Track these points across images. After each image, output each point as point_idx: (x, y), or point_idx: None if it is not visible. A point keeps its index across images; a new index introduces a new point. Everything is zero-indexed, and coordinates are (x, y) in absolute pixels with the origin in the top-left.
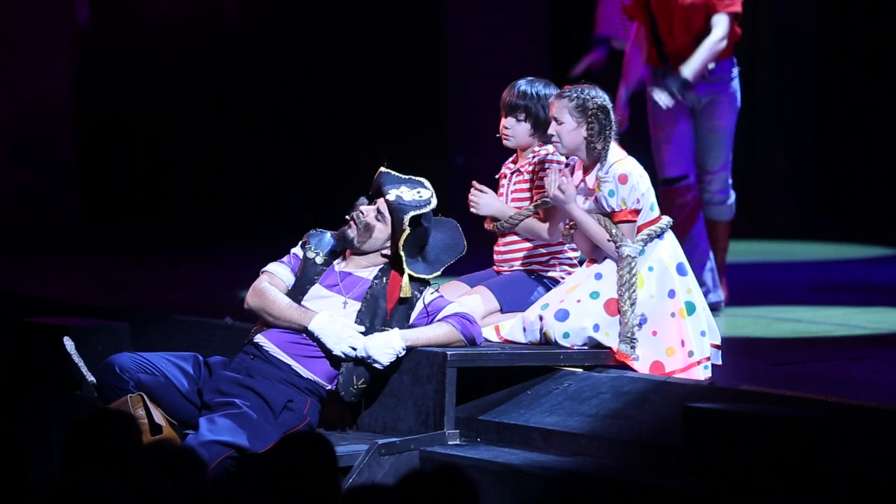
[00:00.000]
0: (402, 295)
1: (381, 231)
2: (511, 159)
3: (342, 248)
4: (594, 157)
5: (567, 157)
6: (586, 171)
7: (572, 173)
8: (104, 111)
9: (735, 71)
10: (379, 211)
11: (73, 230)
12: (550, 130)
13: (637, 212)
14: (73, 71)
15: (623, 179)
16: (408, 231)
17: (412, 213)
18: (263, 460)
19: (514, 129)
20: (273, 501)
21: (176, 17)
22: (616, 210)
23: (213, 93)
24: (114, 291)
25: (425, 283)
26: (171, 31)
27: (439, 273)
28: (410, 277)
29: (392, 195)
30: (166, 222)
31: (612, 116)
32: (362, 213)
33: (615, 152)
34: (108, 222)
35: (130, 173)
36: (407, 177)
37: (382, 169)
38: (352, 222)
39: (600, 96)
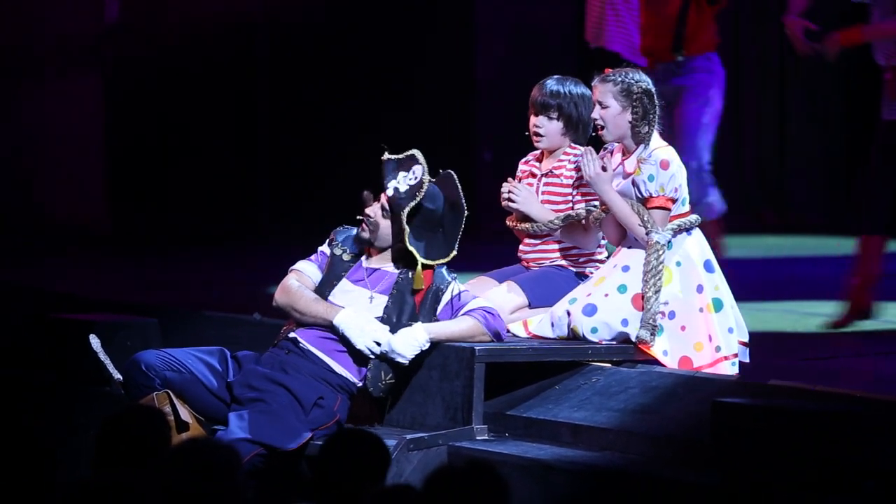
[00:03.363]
0: (414, 287)
1: (388, 228)
2: (534, 158)
3: (365, 247)
4: (638, 142)
5: (607, 147)
6: (625, 155)
7: (611, 156)
8: (132, 110)
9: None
10: (383, 207)
11: (102, 228)
12: (594, 114)
13: (673, 201)
14: (101, 69)
15: (665, 165)
16: (407, 230)
17: (408, 208)
18: (293, 457)
19: (546, 128)
20: (314, 499)
21: (204, 15)
22: (653, 195)
23: (240, 91)
24: (142, 289)
25: (449, 272)
26: (200, 29)
27: (455, 252)
28: (425, 266)
29: (391, 189)
30: (194, 220)
31: (656, 100)
32: (370, 215)
33: (656, 139)
34: (136, 221)
35: (158, 172)
36: (403, 156)
37: (383, 157)
38: (363, 224)
39: (644, 80)
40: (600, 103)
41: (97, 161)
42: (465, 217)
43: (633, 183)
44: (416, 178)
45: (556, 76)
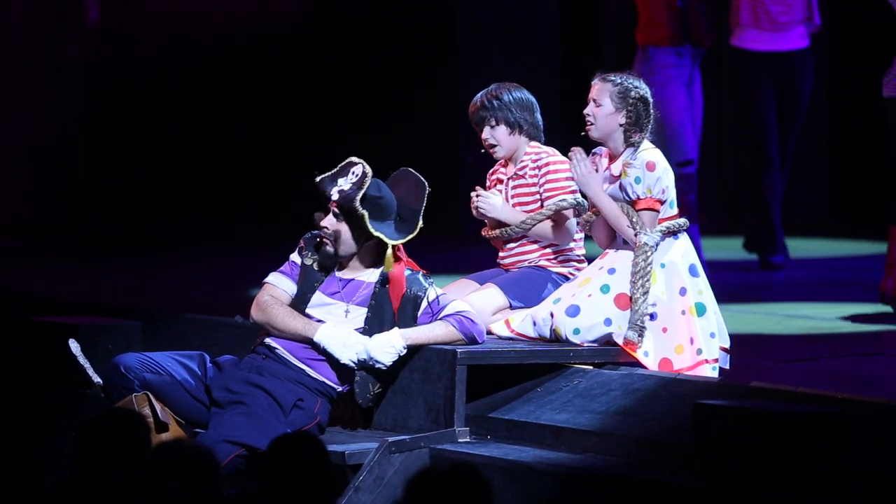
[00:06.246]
0: (384, 269)
1: (348, 231)
2: (500, 165)
3: (332, 265)
4: (627, 145)
5: (595, 152)
6: (611, 159)
7: (601, 160)
8: (115, 113)
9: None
10: (334, 213)
11: (85, 231)
12: (587, 111)
13: (661, 202)
14: (84, 73)
15: (651, 167)
16: (365, 213)
17: (358, 197)
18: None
19: (494, 137)
20: (276, 502)
21: (187, 17)
22: (640, 197)
23: (223, 92)
24: (125, 291)
25: (425, 278)
26: (183, 31)
27: (421, 225)
28: (395, 248)
29: (335, 193)
30: (177, 222)
31: (652, 111)
32: (326, 227)
33: (644, 143)
34: (119, 223)
35: (141, 173)
36: (338, 167)
37: (317, 179)
38: (323, 240)
39: (643, 88)
40: (595, 101)
41: (80, 164)
42: (426, 193)
43: (621, 186)
44: (356, 175)
45: (483, 90)
